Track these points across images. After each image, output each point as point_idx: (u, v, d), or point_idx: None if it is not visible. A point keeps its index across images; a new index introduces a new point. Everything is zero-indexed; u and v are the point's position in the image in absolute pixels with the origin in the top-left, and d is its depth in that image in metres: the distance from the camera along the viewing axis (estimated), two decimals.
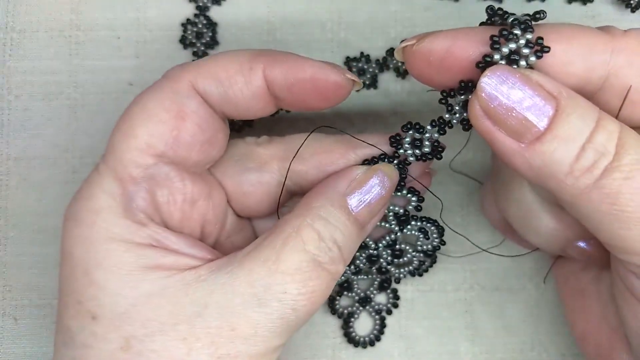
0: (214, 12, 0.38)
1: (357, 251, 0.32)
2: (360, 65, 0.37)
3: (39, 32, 0.37)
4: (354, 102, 0.37)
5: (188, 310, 0.26)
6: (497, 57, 0.25)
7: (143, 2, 0.38)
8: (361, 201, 0.28)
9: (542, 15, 0.25)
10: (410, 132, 0.29)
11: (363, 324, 0.36)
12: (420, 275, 0.35)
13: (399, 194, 0.31)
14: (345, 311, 0.36)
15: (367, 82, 0.37)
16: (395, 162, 0.30)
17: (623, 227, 0.24)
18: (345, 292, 0.36)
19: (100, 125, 0.37)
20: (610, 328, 0.30)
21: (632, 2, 0.38)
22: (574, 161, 0.24)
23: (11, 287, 0.36)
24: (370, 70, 0.37)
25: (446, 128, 0.29)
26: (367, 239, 0.32)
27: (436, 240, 0.33)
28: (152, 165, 0.27)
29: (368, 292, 0.36)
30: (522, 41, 0.25)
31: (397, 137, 0.29)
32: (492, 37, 0.25)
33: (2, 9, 0.37)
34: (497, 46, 0.25)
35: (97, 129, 0.37)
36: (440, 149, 0.29)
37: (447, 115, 0.28)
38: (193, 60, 0.37)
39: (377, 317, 0.36)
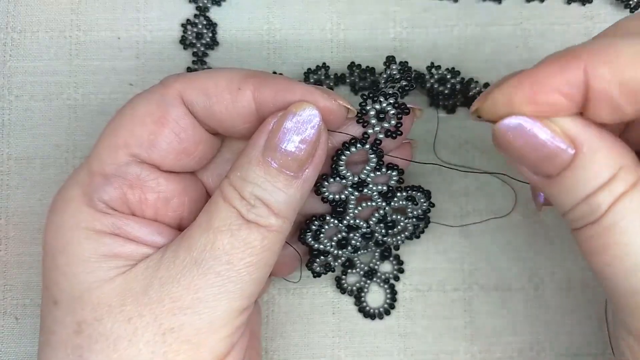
0: (214, 13, 0.38)
1: (351, 232, 0.33)
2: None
3: (39, 32, 0.37)
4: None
5: (135, 291, 0.26)
6: (371, 112, 0.28)
7: (143, 2, 0.38)
8: (281, 151, 0.27)
9: (409, 87, 0.29)
10: (369, 107, 0.29)
11: (374, 297, 0.37)
12: (418, 237, 0.35)
13: (378, 173, 0.31)
14: (354, 287, 0.37)
15: (367, 85, 0.37)
16: (367, 146, 0.29)
17: (597, 272, 0.25)
18: (349, 270, 0.36)
19: (101, 126, 0.36)
20: None
21: (631, 2, 0.38)
22: (569, 210, 0.25)
23: (12, 286, 0.36)
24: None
25: (399, 89, 0.29)
26: (358, 220, 0.32)
27: (425, 204, 0.33)
28: (124, 164, 0.28)
29: (372, 265, 0.36)
30: (385, 104, 0.28)
31: (362, 112, 0.29)
32: (361, 94, 0.29)
33: (2, 10, 0.37)
34: (364, 104, 0.28)
35: (97, 129, 0.36)
36: (403, 106, 0.29)
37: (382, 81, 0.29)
38: (192, 61, 0.38)
39: (386, 286, 0.37)
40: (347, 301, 0.37)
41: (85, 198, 0.27)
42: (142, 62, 0.37)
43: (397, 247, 0.36)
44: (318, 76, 0.37)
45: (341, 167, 0.30)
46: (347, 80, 0.37)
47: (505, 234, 0.37)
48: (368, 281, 0.37)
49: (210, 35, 0.38)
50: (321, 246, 0.33)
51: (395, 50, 0.38)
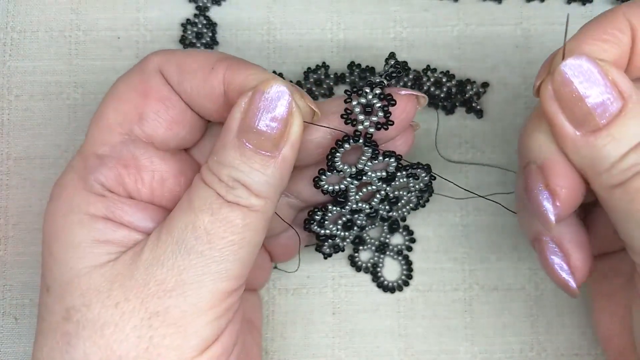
0: (214, 13, 0.38)
1: (353, 213, 0.33)
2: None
3: (39, 32, 0.37)
4: None
5: (122, 275, 0.26)
6: (357, 109, 0.28)
7: (143, 2, 0.38)
8: (254, 131, 0.26)
9: (396, 74, 0.29)
10: (354, 102, 0.28)
11: (390, 271, 0.37)
12: (423, 206, 0.35)
13: (375, 161, 0.30)
14: (369, 264, 0.37)
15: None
16: (360, 141, 0.29)
17: (636, 227, 0.25)
18: (360, 247, 0.36)
19: None
20: (631, 336, 0.30)
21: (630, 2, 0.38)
22: (616, 161, 0.25)
23: (11, 286, 0.36)
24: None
25: (385, 76, 0.29)
26: (360, 203, 0.32)
27: (426, 178, 0.32)
28: (119, 144, 0.28)
29: (382, 239, 0.36)
30: (370, 96, 0.28)
31: (348, 112, 0.29)
32: (345, 91, 0.28)
33: (2, 9, 0.37)
34: (349, 100, 0.28)
35: None
36: (389, 97, 0.28)
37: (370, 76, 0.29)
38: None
39: (400, 258, 0.37)
40: (347, 301, 0.37)
41: (80, 182, 0.27)
42: None
43: (403, 219, 0.36)
44: (318, 75, 0.37)
45: (337, 163, 0.30)
46: (347, 80, 0.37)
47: (505, 234, 0.37)
48: (382, 256, 0.37)
49: (210, 35, 0.38)
50: (327, 231, 0.33)
51: (396, 50, 0.38)
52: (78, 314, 0.26)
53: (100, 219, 0.27)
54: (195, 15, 0.38)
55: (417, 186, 0.33)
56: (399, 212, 0.35)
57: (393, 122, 0.29)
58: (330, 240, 0.34)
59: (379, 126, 0.29)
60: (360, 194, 0.32)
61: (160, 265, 0.26)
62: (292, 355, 0.36)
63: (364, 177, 0.31)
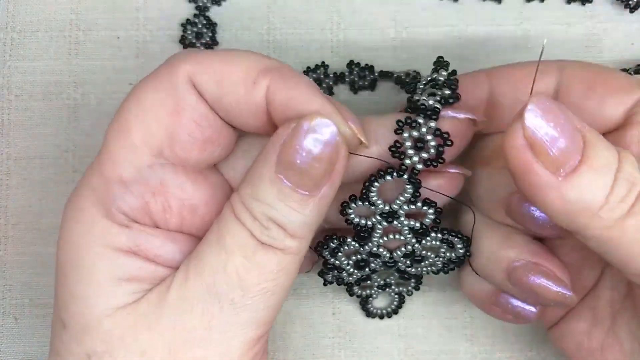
0: (214, 12, 0.38)
1: (370, 256, 0.30)
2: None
3: (39, 32, 0.37)
4: (352, 106, 0.37)
5: (148, 318, 0.24)
6: (407, 143, 0.26)
7: (143, 2, 0.38)
8: (295, 168, 0.24)
9: (453, 99, 0.27)
10: (406, 134, 0.26)
11: (380, 299, 0.36)
12: (446, 272, 0.32)
13: (412, 207, 0.28)
14: (364, 293, 0.35)
15: (367, 84, 0.37)
16: (405, 175, 0.27)
17: None
18: (363, 282, 0.34)
19: (100, 125, 0.37)
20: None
21: (631, 2, 0.38)
22: (609, 192, 0.23)
23: (11, 286, 0.36)
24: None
25: (432, 114, 0.26)
26: (381, 249, 0.30)
27: (461, 250, 0.30)
28: (147, 167, 0.25)
29: (388, 280, 0.34)
30: (424, 129, 0.26)
31: (397, 145, 0.27)
32: (397, 121, 0.26)
33: (2, 9, 0.37)
34: (400, 132, 0.26)
35: (97, 128, 0.37)
36: (446, 135, 0.26)
37: (416, 97, 0.27)
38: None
39: (396, 296, 0.35)
40: (347, 301, 0.37)
41: (101, 208, 0.25)
42: (141, 61, 0.37)
43: (420, 276, 0.33)
44: (317, 75, 0.37)
45: (372, 195, 0.27)
46: (347, 80, 0.37)
47: None
48: (379, 291, 0.35)
49: (210, 35, 0.38)
50: (337, 262, 0.30)
51: (395, 49, 0.38)
52: None
53: (124, 253, 0.25)
54: (195, 15, 0.38)
55: (448, 254, 0.30)
56: (419, 269, 0.32)
57: (444, 160, 0.26)
58: (336, 272, 0.31)
59: (429, 163, 0.26)
60: (386, 238, 0.29)
61: (190, 311, 0.24)
62: (292, 356, 0.36)
63: (395, 222, 0.28)
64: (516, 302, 0.30)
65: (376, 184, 0.27)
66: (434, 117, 0.26)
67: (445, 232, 0.29)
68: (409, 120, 0.26)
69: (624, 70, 0.37)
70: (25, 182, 0.36)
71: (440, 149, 0.26)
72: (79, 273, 0.25)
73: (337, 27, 0.38)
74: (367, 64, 0.37)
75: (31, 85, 0.37)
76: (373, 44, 0.38)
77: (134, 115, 0.25)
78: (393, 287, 0.34)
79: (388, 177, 0.27)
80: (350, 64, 0.37)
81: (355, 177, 0.27)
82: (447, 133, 0.26)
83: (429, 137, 0.26)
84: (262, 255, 0.24)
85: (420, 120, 0.26)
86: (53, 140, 0.37)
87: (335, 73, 0.37)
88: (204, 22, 0.38)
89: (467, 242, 0.30)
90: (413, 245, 0.29)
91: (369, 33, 0.38)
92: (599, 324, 0.30)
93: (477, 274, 0.30)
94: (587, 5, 0.38)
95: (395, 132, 0.26)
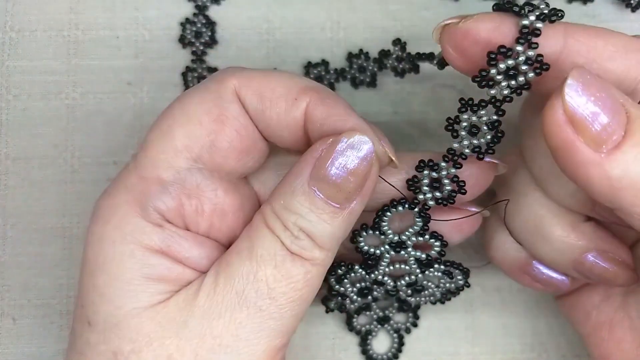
0: (213, 12, 0.38)
1: (375, 284, 0.31)
2: (359, 62, 0.37)
3: (37, 31, 0.37)
4: (354, 102, 0.37)
5: (177, 321, 0.25)
6: (493, 72, 0.25)
7: (142, 1, 0.38)
8: (327, 182, 0.25)
9: (559, 15, 0.24)
10: (426, 172, 0.28)
11: (381, 343, 0.36)
12: (442, 303, 0.33)
13: (420, 239, 0.29)
14: (363, 329, 0.35)
15: (368, 80, 0.37)
16: (416, 209, 0.28)
17: None
18: (363, 312, 0.35)
19: (99, 125, 0.37)
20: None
21: (632, 2, 0.38)
22: None
23: (10, 286, 0.36)
24: (370, 68, 0.37)
25: (460, 161, 0.27)
26: (386, 278, 0.31)
27: (460, 281, 0.31)
28: (185, 170, 0.26)
29: (387, 312, 0.35)
30: (522, 58, 0.24)
31: (415, 180, 0.28)
32: (488, 53, 0.24)
33: (1, 9, 0.37)
34: (494, 62, 0.25)
35: (96, 128, 0.37)
36: (461, 183, 0.28)
37: (455, 145, 0.27)
38: (192, 60, 0.37)
39: (395, 335, 0.36)
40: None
41: (136, 207, 0.25)
42: (140, 61, 0.37)
43: (418, 307, 0.35)
44: (318, 72, 0.37)
45: (384, 224, 0.29)
46: (348, 76, 0.37)
47: None
48: (378, 326, 0.35)
49: (210, 34, 0.37)
50: (342, 289, 0.31)
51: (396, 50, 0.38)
52: None
53: (155, 252, 0.25)
54: (195, 15, 0.38)
55: (447, 285, 0.32)
56: (417, 299, 0.33)
57: (454, 201, 0.28)
58: (339, 298, 0.32)
59: (440, 201, 0.28)
60: (392, 267, 0.30)
61: (218, 316, 0.25)
62: (292, 356, 0.36)
63: (402, 252, 0.30)
64: (547, 271, 0.31)
65: (388, 213, 0.28)
66: (457, 166, 0.27)
67: (447, 263, 0.30)
68: (430, 163, 0.28)
69: None
70: (24, 182, 0.36)
71: (454, 194, 0.28)
72: (108, 270, 0.25)
73: (337, 25, 0.38)
74: (361, 50, 0.37)
75: (30, 85, 0.37)
76: (373, 43, 0.38)
77: (178, 120, 0.26)
78: (392, 322, 0.35)
79: (400, 208, 0.28)
80: (350, 56, 0.37)
81: (370, 206, 0.28)
82: (463, 182, 0.27)
83: (445, 181, 0.27)
84: (291, 265, 0.25)
85: (443, 164, 0.27)
86: (52, 140, 0.37)
87: (336, 69, 0.37)
88: (203, 21, 0.37)
89: (467, 274, 0.31)
90: (417, 275, 0.31)
91: (369, 32, 0.38)
92: (611, 299, 0.30)
93: (518, 242, 0.30)
94: (589, 4, 0.38)
95: (416, 168, 0.28)
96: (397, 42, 0.37)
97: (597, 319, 0.31)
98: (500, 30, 0.25)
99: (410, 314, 0.36)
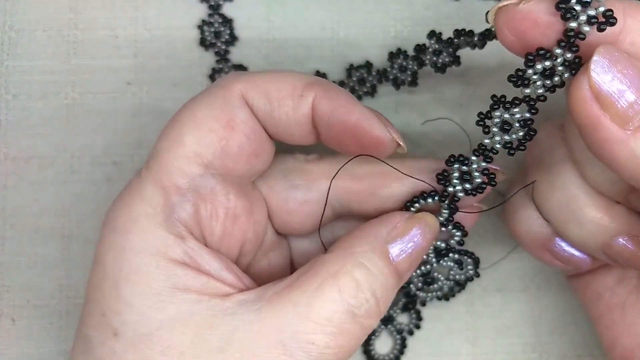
0: (212, 11, 0.38)
1: None
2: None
3: (37, 31, 0.37)
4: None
5: (211, 344, 0.24)
6: (530, 72, 0.25)
7: (142, 1, 0.38)
8: (402, 250, 0.27)
9: (610, 22, 0.23)
10: (456, 165, 0.28)
11: (383, 343, 0.36)
12: (447, 299, 0.35)
13: (444, 229, 0.30)
14: None
15: (409, 80, 0.36)
16: (446, 201, 0.29)
17: None
18: None
19: (99, 125, 0.37)
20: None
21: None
22: None
23: (9, 287, 0.36)
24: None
25: (491, 155, 0.28)
26: None
27: (470, 271, 0.32)
28: (199, 176, 0.26)
29: (391, 312, 0.35)
30: (560, 60, 0.24)
31: (445, 174, 0.28)
32: (526, 54, 0.24)
33: (0, 8, 0.37)
34: (532, 64, 0.25)
35: (95, 128, 0.37)
36: (492, 176, 0.28)
37: (486, 141, 0.27)
38: (216, 61, 0.37)
39: (398, 336, 0.36)
40: None
41: (158, 217, 0.26)
42: (140, 61, 0.37)
43: (423, 303, 0.35)
44: (360, 74, 0.37)
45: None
46: (390, 77, 0.36)
47: (507, 234, 0.37)
48: (382, 326, 0.36)
49: (229, 32, 0.37)
50: None
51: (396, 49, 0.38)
52: None
53: (179, 264, 0.25)
54: (210, 15, 0.37)
55: (457, 276, 0.33)
56: (426, 294, 0.34)
57: (483, 191, 0.29)
58: None
59: (469, 192, 0.28)
60: None
61: (254, 356, 0.24)
62: None
63: None
64: (570, 249, 0.31)
65: (417, 204, 0.29)
66: (488, 160, 0.28)
67: (461, 252, 0.31)
68: (461, 158, 0.28)
69: None
70: (23, 182, 0.36)
71: (484, 186, 0.28)
72: (134, 283, 0.25)
73: (338, 25, 0.38)
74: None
75: (29, 85, 0.37)
76: (374, 42, 0.38)
77: (187, 128, 0.26)
78: (395, 323, 0.36)
79: (429, 200, 0.29)
80: (391, 55, 0.36)
81: (389, 208, 0.30)
82: (493, 174, 0.28)
83: (476, 174, 0.28)
84: (346, 335, 0.25)
85: (474, 158, 0.28)
86: (51, 140, 0.37)
87: (378, 70, 0.37)
88: (220, 20, 0.37)
89: (478, 262, 0.32)
90: (432, 265, 0.32)
91: (370, 32, 0.38)
92: (625, 282, 0.31)
93: (545, 219, 0.30)
94: None
95: (446, 163, 0.29)
96: (432, 34, 0.34)
97: (609, 300, 0.31)
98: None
99: (414, 315, 0.36)
